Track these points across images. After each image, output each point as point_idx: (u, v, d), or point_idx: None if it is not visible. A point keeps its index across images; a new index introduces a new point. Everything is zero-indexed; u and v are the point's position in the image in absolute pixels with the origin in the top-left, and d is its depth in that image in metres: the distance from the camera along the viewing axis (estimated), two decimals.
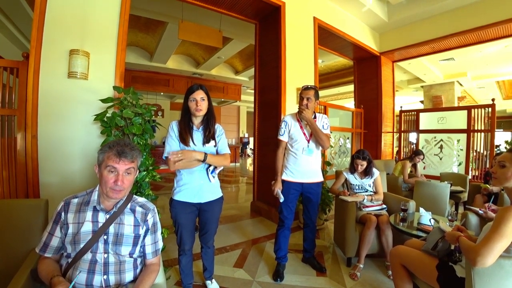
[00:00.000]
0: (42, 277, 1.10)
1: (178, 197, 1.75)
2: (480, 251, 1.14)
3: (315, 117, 2.33)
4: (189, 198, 1.74)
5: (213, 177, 1.76)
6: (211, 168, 1.75)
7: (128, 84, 6.41)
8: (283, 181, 2.32)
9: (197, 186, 1.74)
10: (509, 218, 1.14)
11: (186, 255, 1.86)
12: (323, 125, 2.32)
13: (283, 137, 2.34)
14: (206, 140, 1.74)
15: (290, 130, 2.32)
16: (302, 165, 2.29)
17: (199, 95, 1.71)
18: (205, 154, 1.66)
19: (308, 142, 2.29)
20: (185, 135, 1.70)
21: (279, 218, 2.38)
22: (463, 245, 1.29)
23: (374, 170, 2.70)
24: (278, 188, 2.29)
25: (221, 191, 1.90)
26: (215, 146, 1.77)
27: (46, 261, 1.14)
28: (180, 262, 1.88)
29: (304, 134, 2.30)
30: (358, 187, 2.70)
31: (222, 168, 1.80)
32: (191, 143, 1.70)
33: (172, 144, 1.71)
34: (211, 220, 1.86)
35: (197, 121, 1.77)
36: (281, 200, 2.24)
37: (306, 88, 2.28)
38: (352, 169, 2.74)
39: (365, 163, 2.66)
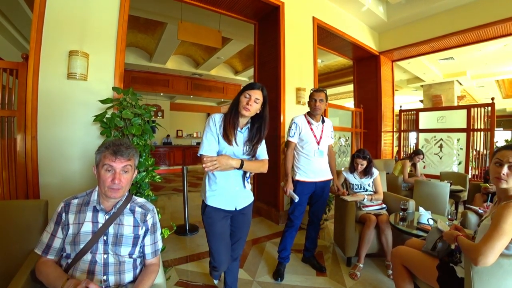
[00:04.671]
0: (48, 280, 1.08)
1: (211, 202, 1.57)
2: (481, 250, 1.14)
3: (323, 121, 2.39)
4: (224, 205, 1.58)
5: (248, 182, 1.63)
6: (247, 174, 1.61)
7: (127, 84, 6.42)
8: (298, 182, 2.31)
9: (232, 192, 1.59)
10: (507, 215, 1.14)
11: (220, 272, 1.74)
12: (331, 135, 2.46)
13: (293, 139, 2.34)
14: (250, 149, 1.57)
15: (301, 132, 2.33)
16: (315, 165, 2.32)
17: (256, 94, 1.52)
18: (242, 161, 1.48)
19: (318, 144, 2.32)
20: (229, 132, 1.50)
21: (288, 218, 2.37)
22: (463, 245, 1.29)
23: (374, 169, 2.70)
24: (290, 189, 2.28)
25: (252, 194, 1.76)
26: (253, 151, 1.61)
27: (50, 264, 1.13)
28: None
29: (315, 136, 2.32)
30: (358, 187, 2.70)
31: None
32: (233, 143, 1.52)
33: (211, 141, 1.49)
34: (243, 226, 1.71)
35: (242, 121, 1.58)
36: (296, 200, 2.22)
37: (318, 90, 2.31)
38: (352, 168, 2.74)
39: (365, 163, 2.66)
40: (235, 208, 1.61)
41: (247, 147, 1.57)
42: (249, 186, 1.65)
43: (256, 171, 1.63)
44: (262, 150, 1.67)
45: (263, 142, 1.68)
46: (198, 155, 1.50)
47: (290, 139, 2.35)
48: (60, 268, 1.12)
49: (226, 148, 1.51)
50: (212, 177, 1.58)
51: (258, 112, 1.57)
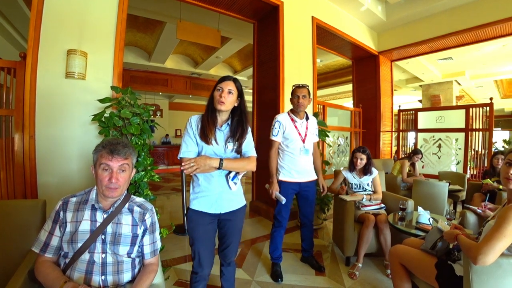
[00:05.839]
0: (46, 281, 1.07)
1: (194, 205, 1.49)
2: (482, 250, 1.15)
3: (308, 118, 2.35)
4: (206, 207, 1.48)
5: (235, 183, 1.50)
6: (232, 174, 1.49)
7: (126, 84, 6.40)
8: (281, 182, 2.27)
9: (215, 195, 1.49)
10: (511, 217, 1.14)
11: (205, 280, 1.56)
12: (315, 132, 2.43)
13: (277, 138, 2.28)
14: (234, 145, 1.49)
15: (285, 130, 2.27)
16: (300, 165, 2.28)
17: (228, 86, 1.45)
18: (221, 160, 1.40)
19: (304, 142, 2.28)
20: (208, 131, 1.43)
21: (276, 219, 2.35)
22: (463, 243, 1.29)
23: (373, 169, 2.70)
24: (276, 191, 2.22)
25: (244, 198, 1.64)
26: (238, 148, 1.52)
27: (48, 264, 1.12)
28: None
29: (299, 134, 2.27)
30: (357, 186, 2.70)
31: (245, 172, 1.55)
32: (213, 141, 1.44)
33: (189, 143, 1.45)
34: (233, 232, 1.59)
35: (221, 118, 1.50)
36: (283, 202, 2.16)
37: (300, 86, 2.27)
38: (352, 167, 2.73)
39: (364, 157, 2.65)
40: (220, 212, 1.51)
41: (231, 143, 1.49)
42: (236, 187, 1.52)
43: (241, 169, 1.50)
44: (248, 146, 1.55)
45: (249, 138, 1.58)
46: (178, 158, 1.46)
47: (273, 138, 2.28)
48: (58, 269, 1.12)
49: (205, 148, 1.45)
50: (195, 179, 1.52)
51: (235, 105, 1.51)
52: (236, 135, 1.49)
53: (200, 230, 1.50)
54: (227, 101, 1.44)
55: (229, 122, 1.52)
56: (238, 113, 1.52)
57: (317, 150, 2.50)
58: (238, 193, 1.58)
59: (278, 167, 2.32)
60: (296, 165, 2.28)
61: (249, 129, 1.58)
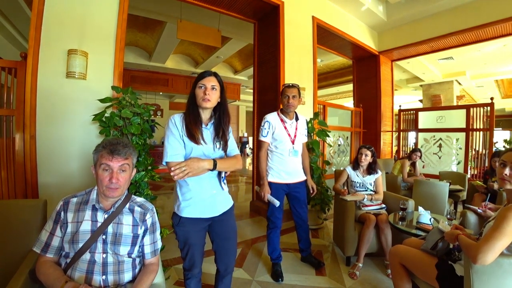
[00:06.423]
0: (47, 281, 1.07)
1: (187, 213, 1.38)
2: (481, 249, 1.15)
3: (297, 119, 2.33)
4: (201, 213, 1.40)
5: (225, 183, 1.48)
6: (222, 174, 1.45)
7: (127, 84, 6.41)
8: (270, 183, 2.24)
9: (209, 198, 1.41)
10: (510, 217, 1.14)
11: (196, 278, 1.52)
12: (304, 133, 2.40)
13: (266, 139, 2.25)
14: (220, 144, 1.44)
15: (274, 131, 2.24)
16: (289, 166, 2.27)
17: (210, 82, 1.37)
18: (214, 160, 1.32)
19: (293, 144, 2.26)
20: (194, 131, 1.34)
21: (269, 221, 2.33)
22: (463, 243, 1.29)
23: (378, 169, 2.69)
24: (268, 193, 2.19)
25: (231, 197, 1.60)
26: (225, 146, 1.47)
27: (50, 264, 1.12)
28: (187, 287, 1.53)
29: (289, 135, 2.25)
30: (359, 185, 2.70)
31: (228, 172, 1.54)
32: (201, 141, 1.36)
33: (175, 145, 1.32)
34: (229, 235, 1.54)
35: (205, 116, 1.43)
36: (277, 205, 2.13)
37: (290, 86, 2.24)
38: (356, 165, 2.73)
39: (369, 153, 2.64)
40: (214, 215, 1.45)
41: (218, 142, 1.43)
42: (226, 188, 1.50)
43: (232, 169, 1.47)
44: (232, 145, 1.51)
45: (232, 137, 1.53)
46: (164, 163, 1.32)
47: (262, 138, 2.24)
48: (59, 269, 1.12)
49: (195, 149, 1.35)
50: (184, 184, 1.39)
51: (219, 100, 1.44)
52: (220, 132, 1.44)
53: (194, 237, 1.43)
54: (212, 98, 1.38)
55: (213, 121, 1.47)
56: (218, 109, 1.46)
57: (305, 150, 2.48)
58: (227, 193, 1.55)
59: (267, 168, 2.29)
60: (285, 166, 2.26)
61: (230, 128, 1.53)
